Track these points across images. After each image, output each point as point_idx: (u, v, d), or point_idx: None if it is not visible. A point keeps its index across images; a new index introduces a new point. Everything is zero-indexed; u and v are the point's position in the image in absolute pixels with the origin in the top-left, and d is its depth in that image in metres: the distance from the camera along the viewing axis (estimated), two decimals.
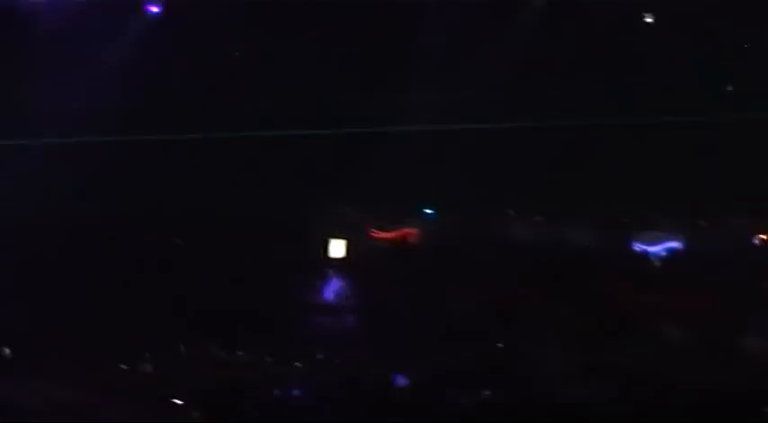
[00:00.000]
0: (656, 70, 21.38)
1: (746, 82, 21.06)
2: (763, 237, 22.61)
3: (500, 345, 20.01)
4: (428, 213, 23.87)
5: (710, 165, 21.12)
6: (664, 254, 22.66)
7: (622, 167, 21.66)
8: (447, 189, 22.42)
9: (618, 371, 18.05)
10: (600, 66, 21.52)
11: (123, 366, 18.07)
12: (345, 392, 17.23)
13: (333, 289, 22.82)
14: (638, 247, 22.74)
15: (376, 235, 23.59)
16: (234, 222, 21.54)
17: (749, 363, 18.74)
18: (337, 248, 23.13)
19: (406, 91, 21.49)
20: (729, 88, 21.67)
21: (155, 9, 21.56)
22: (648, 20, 21.70)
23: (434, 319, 20.75)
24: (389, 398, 17.32)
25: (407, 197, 22.70)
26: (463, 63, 21.58)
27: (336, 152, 21.63)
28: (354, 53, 21.62)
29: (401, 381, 17.99)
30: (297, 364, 18.89)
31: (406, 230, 23.73)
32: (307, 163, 21.73)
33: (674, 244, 22.72)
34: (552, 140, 21.40)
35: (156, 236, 21.67)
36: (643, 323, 20.13)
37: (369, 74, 21.58)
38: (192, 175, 21.67)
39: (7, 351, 18.22)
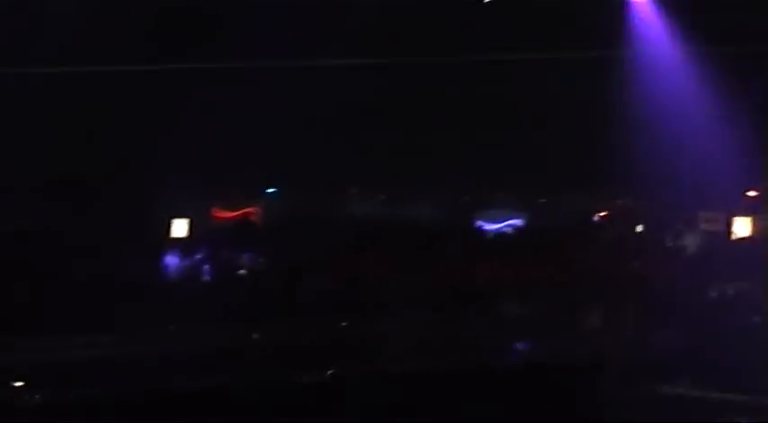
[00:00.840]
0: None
1: None
2: (603, 214, 23.28)
3: (344, 323, 20.12)
4: (271, 193, 23.91)
5: (551, 143, 21.57)
6: (505, 231, 23.11)
7: (463, 145, 21.95)
8: (290, 169, 22.47)
9: (466, 343, 18.33)
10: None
11: None
12: (192, 369, 17.17)
13: (175, 267, 22.67)
14: (480, 224, 23.15)
15: (219, 214, 23.54)
16: (76, 199, 21.21)
17: (585, 335, 19.28)
18: (180, 228, 23.01)
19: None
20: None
21: None
22: None
23: (275, 296, 20.79)
24: (234, 374, 17.30)
25: (251, 177, 22.68)
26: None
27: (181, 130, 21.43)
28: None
29: (246, 357, 17.99)
30: (139, 341, 18.72)
31: (249, 209, 23.73)
32: (151, 140, 21.48)
33: (516, 221, 23.21)
34: (394, 118, 21.58)
35: None
36: (486, 298, 20.49)
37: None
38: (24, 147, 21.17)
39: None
